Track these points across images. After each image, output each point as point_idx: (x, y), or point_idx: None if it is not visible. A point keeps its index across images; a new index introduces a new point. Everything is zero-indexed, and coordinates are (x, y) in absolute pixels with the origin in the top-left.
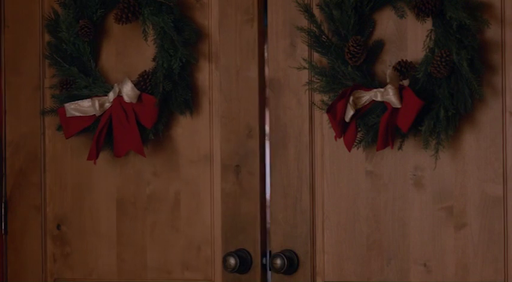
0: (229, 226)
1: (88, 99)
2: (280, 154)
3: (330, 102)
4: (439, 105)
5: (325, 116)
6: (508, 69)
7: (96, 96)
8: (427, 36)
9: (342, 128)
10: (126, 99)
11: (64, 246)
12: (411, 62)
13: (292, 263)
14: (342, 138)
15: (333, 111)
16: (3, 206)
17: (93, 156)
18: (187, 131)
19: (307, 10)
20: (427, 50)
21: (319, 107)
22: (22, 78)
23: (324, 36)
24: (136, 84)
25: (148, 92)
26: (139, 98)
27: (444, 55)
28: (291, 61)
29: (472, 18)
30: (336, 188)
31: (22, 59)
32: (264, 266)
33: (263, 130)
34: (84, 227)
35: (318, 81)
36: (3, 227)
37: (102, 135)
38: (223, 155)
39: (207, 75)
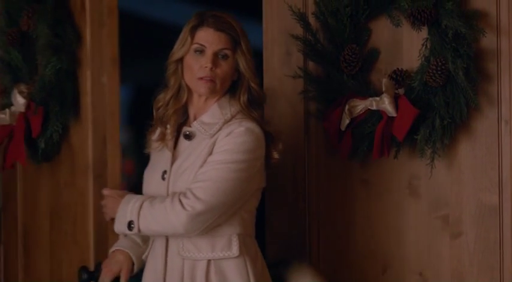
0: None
1: (6, 109)
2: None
3: (325, 111)
4: (435, 114)
5: (321, 125)
6: (503, 77)
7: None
8: (422, 44)
9: (337, 137)
10: (15, 108)
11: (26, 257)
12: (407, 70)
13: None
14: (337, 147)
15: (329, 120)
16: None
17: (3, 165)
18: (78, 139)
19: (302, 18)
20: (423, 59)
21: (314, 116)
22: None
23: (319, 45)
24: (29, 93)
25: (34, 100)
26: (29, 107)
27: (440, 64)
28: (286, 69)
29: (467, 27)
30: (331, 197)
31: None
32: None
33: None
34: (34, 238)
35: (313, 89)
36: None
37: (8, 145)
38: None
39: (86, 82)
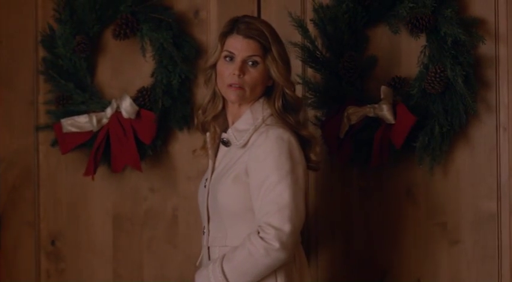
0: None
1: (85, 115)
2: None
3: (323, 118)
4: (434, 121)
5: (319, 132)
6: (501, 85)
7: (94, 111)
8: (421, 52)
9: (336, 144)
10: (125, 115)
11: (59, 262)
12: (405, 78)
13: None
14: (336, 154)
15: (327, 127)
16: None
17: (91, 172)
18: (185, 147)
19: (301, 25)
20: (421, 66)
21: (313, 123)
22: (15, 93)
23: (317, 52)
24: (135, 100)
25: (147, 107)
26: (137, 113)
27: (438, 71)
28: None
29: (467, 34)
30: (329, 204)
31: (15, 74)
32: None
33: None
34: (79, 243)
35: (311, 97)
36: None
37: (99, 151)
38: None
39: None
